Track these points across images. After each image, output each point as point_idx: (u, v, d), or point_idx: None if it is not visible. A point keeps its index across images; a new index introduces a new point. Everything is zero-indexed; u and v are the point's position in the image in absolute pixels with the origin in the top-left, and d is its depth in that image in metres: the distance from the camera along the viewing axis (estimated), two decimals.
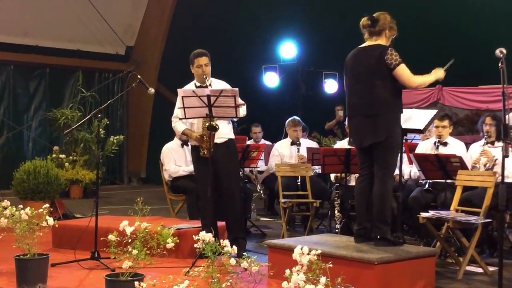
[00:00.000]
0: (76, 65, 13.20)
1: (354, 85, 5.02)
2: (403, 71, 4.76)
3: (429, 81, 4.92)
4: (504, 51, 4.15)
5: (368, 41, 4.98)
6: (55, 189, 7.91)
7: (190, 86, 5.83)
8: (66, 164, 11.38)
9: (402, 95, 4.97)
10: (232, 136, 5.93)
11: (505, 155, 4.07)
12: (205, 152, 5.63)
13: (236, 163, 6.10)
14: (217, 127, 5.52)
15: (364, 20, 4.96)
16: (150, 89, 5.90)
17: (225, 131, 5.77)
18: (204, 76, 5.70)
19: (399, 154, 5.42)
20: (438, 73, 4.97)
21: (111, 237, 3.87)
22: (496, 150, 5.83)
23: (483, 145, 6.18)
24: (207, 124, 5.50)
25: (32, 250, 4.56)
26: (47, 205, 4.78)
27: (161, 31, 13.71)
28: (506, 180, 4.62)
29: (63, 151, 11.76)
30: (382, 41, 4.93)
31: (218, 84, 5.79)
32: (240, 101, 5.70)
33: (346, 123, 7.21)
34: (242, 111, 5.77)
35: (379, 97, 4.81)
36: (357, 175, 6.58)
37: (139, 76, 5.93)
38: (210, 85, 5.68)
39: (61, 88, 13.25)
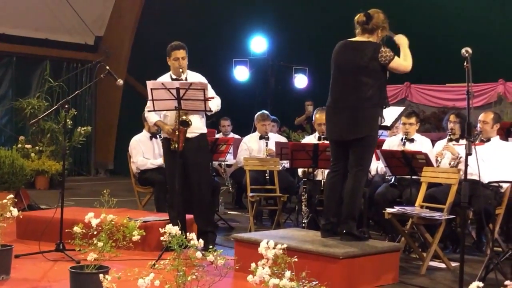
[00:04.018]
0: (44, 54, 12.99)
1: (339, 78, 5.06)
2: (398, 64, 4.92)
3: (408, 51, 5.00)
4: (470, 50, 4.23)
5: (359, 36, 5.03)
6: (20, 179, 7.81)
7: (165, 78, 5.79)
8: (32, 154, 11.21)
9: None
10: (204, 131, 5.87)
11: (468, 153, 4.14)
12: (176, 146, 5.59)
13: (206, 157, 6.07)
14: (190, 122, 5.50)
15: (359, 16, 5.02)
16: (118, 80, 5.87)
17: (197, 126, 5.72)
18: (180, 70, 5.68)
19: None
20: (402, 40, 5.06)
21: (77, 229, 3.84)
22: (460, 148, 5.92)
23: (447, 142, 6.28)
24: (179, 119, 5.47)
25: None
26: (12, 195, 4.73)
27: (131, 21, 13.57)
28: (469, 177, 4.70)
29: (29, 141, 11.56)
30: (373, 39, 4.99)
31: (194, 77, 5.74)
32: (213, 95, 5.69)
33: (313, 117, 7.26)
34: (216, 106, 5.76)
35: (365, 94, 4.87)
36: (324, 170, 6.65)
37: (107, 67, 5.89)
38: (186, 78, 5.66)
39: (28, 77, 13.03)
